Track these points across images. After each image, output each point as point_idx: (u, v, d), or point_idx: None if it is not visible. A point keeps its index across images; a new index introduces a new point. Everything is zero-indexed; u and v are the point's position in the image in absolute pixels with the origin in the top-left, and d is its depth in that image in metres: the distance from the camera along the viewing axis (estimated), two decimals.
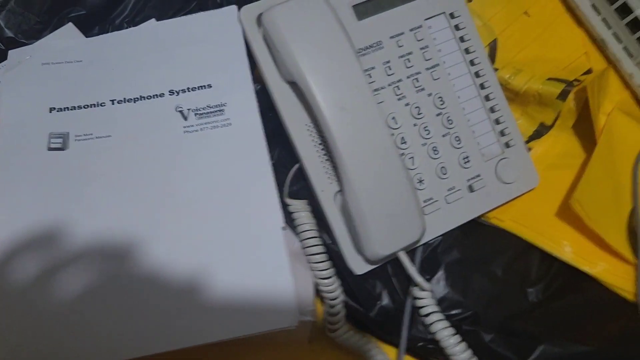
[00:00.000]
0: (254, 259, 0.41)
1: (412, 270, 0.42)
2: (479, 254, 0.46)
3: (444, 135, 0.46)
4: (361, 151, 0.40)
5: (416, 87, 0.46)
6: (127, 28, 0.51)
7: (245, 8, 0.43)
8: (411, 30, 0.46)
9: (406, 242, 0.42)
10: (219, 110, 0.47)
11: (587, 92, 0.47)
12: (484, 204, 0.47)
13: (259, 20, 0.43)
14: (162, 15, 0.52)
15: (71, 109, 0.47)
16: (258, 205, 0.43)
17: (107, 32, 0.51)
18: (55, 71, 0.48)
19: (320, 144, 0.43)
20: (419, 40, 0.47)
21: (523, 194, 0.48)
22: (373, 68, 0.45)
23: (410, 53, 0.46)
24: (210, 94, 0.47)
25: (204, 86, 0.48)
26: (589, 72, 0.52)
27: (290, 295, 0.40)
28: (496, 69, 0.51)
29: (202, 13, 0.50)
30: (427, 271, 0.45)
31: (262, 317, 0.40)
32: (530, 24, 0.53)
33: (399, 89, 0.46)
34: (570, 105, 0.49)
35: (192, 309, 0.40)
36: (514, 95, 0.51)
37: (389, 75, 0.46)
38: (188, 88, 0.48)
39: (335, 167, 0.42)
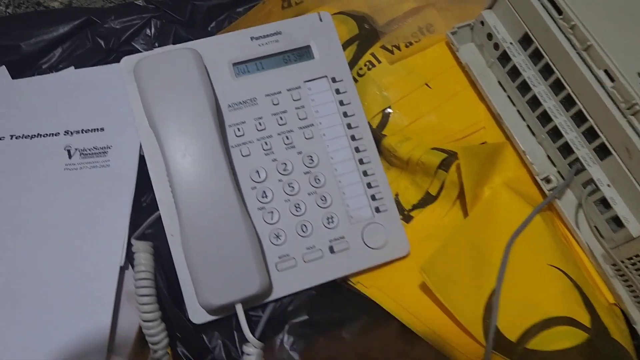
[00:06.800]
0: (83, 293, 0.42)
1: (244, 324, 0.41)
2: (330, 317, 0.44)
3: (309, 194, 0.46)
4: (198, 199, 0.40)
5: (286, 144, 0.47)
6: (49, 73, 0.56)
7: (125, 59, 0.47)
8: (288, 90, 0.48)
9: (241, 294, 0.41)
10: (103, 152, 0.49)
11: (460, 162, 0.46)
12: (345, 266, 0.46)
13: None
14: (84, 64, 0.56)
15: None
16: (103, 243, 0.44)
17: (32, 76, 0.56)
18: None
19: None
20: (295, 100, 0.48)
21: (389, 261, 0.47)
22: (244, 122, 0.47)
23: (284, 111, 0.48)
24: (100, 137, 0.50)
25: (97, 129, 0.51)
26: None
27: (103, 333, 0.40)
28: (384, 135, 0.51)
29: (110, 65, 0.54)
30: (273, 329, 0.44)
31: (71, 354, 0.40)
32: (430, 95, 0.53)
33: (267, 144, 0.47)
34: (453, 177, 0.48)
35: None
36: (403, 164, 0.51)
37: (259, 130, 0.47)
38: (82, 130, 0.51)
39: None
